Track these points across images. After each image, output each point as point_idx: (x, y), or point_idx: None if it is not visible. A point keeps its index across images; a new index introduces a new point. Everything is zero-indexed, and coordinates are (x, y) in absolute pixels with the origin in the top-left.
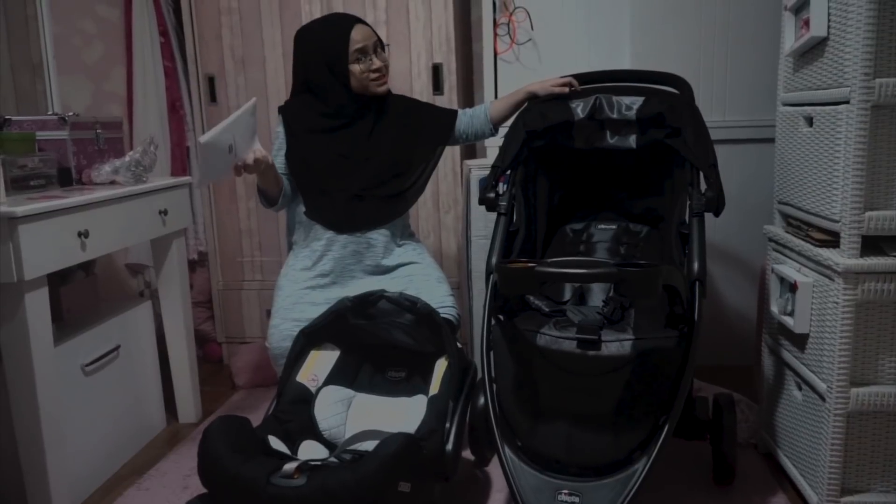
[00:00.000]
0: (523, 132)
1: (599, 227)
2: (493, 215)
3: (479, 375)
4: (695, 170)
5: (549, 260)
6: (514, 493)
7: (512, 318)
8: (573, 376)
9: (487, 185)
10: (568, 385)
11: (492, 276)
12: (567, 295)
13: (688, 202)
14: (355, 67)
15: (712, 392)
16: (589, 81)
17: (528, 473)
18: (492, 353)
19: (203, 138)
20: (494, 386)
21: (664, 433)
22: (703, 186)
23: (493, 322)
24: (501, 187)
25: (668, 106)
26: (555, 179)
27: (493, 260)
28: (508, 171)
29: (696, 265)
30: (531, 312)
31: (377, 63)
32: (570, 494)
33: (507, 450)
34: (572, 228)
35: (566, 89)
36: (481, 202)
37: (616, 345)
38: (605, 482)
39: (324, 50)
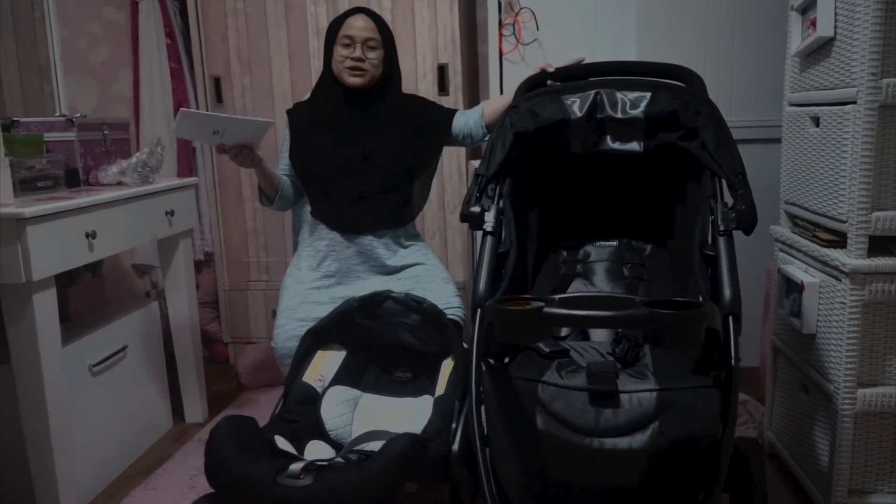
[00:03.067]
0: (511, 135)
1: (597, 243)
2: None
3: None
4: (717, 179)
5: (559, 297)
6: None
7: (505, 362)
8: (585, 439)
9: (470, 197)
10: (579, 451)
11: (478, 313)
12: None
13: (710, 218)
14: (337, 50)
15: None
16: (588, 75)
17: None
18: (482, 409)
19: (187, 110)
20: (487, 451)
21: None
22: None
23: (482, 368)
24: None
25: (682, 103)
26: (547, 189)
27: (481, 289)
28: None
29: (728, 294)
30: (528, 353)
31: (357, 53)
32: None
33: None
34: (566, 246)
35: (551, 66)
36: (463, 219)
37: (636, 397)
38: None
39: (328, 30)
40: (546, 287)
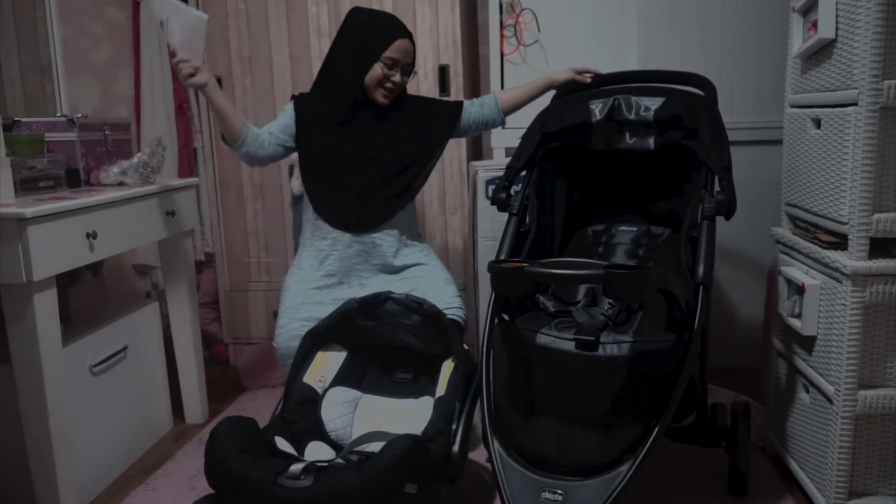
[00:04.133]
0: (539, 133)
1: (621, 228)
2: (501, 217)
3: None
4: (709, 172)
5: (542, 261)
6: (500, 489)
7: (515, 318)
8: (569, 377)
9: (500, 185)
10: (563, 386)
11: None
12: (580, 296)
13: (699, 205)
14: (377, 68)
15: (721, 395)
16: (613, 81)
17: (516, 470)
18: (491, 352)
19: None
20: (491, 384)
21: (653, 436)
22: (717, 189)
23: (495, 321)
24: (516, 188)
25: (685, 107)
26: (574, 180)
27: (500, 258)
28: (524, 172)
29: (701, 269)
30: (536, 312)
31: (397, 79)
32: (553, 492)
33: (496, 445)
34: (594, 230)
35: (587, 78)
36: (493, 202)
37: (613, 346)
38: (590, 483)
39: (367, 33)
40: None
